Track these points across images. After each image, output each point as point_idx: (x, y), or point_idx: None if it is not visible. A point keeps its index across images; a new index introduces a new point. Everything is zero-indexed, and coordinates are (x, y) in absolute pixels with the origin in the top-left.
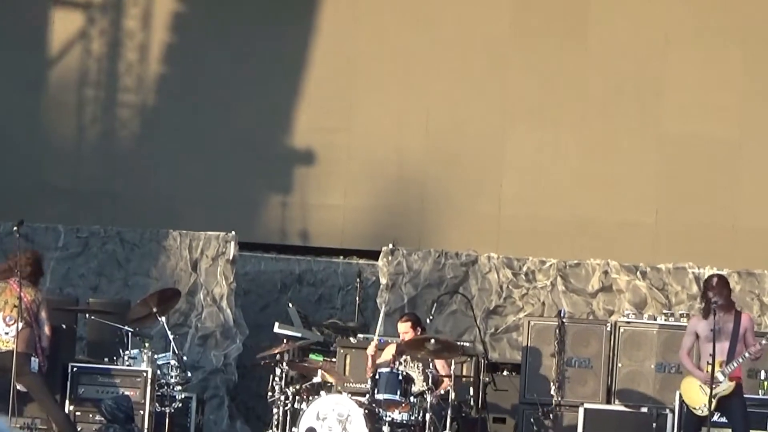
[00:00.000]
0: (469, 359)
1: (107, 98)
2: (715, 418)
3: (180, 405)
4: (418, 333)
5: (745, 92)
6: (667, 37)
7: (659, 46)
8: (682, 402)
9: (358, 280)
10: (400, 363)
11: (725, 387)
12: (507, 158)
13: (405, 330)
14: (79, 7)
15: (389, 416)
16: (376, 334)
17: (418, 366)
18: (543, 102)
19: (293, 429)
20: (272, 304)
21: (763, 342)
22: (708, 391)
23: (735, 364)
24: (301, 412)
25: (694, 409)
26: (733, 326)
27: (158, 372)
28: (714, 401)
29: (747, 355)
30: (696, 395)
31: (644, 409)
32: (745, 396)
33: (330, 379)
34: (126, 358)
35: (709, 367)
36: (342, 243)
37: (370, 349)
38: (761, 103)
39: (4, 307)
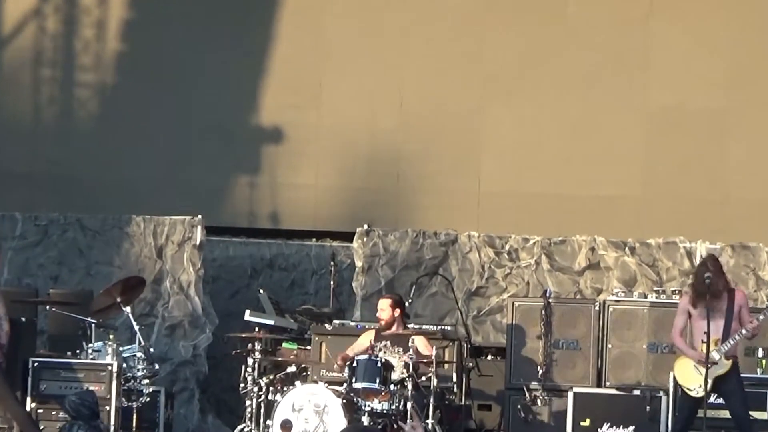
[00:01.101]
0: (451, 343)
1: (64, 78)
2: (712, 399)
3: (148, 399)
4: (397, 315)
5: (732, 60)
6: (651, 5)
7: (642, 15)
8: (676, 383)
9: (332, 263)
10: (379, 348)
11: (721, 367)
12: (485, 134)
13: (383, 307)
14: None
15: (368, 406)
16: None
17: (397, 351)
18: (522, 76)
19: (267, 422)
20: (242, 290)
21: (761, 318)
22: (703, 371)
23: (731, 342)
24: (275, 404)
25: (689, 390)
26: (727, 304)
27: (124, 365)
28: (710, 382)
29: (743, 332)
30: (691, 375)
31: (637, 392)
32: (742, 375)
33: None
34: (90, 351)
35: (704, 346)
36: (314, 224)
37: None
38: (748, 71)
39: None
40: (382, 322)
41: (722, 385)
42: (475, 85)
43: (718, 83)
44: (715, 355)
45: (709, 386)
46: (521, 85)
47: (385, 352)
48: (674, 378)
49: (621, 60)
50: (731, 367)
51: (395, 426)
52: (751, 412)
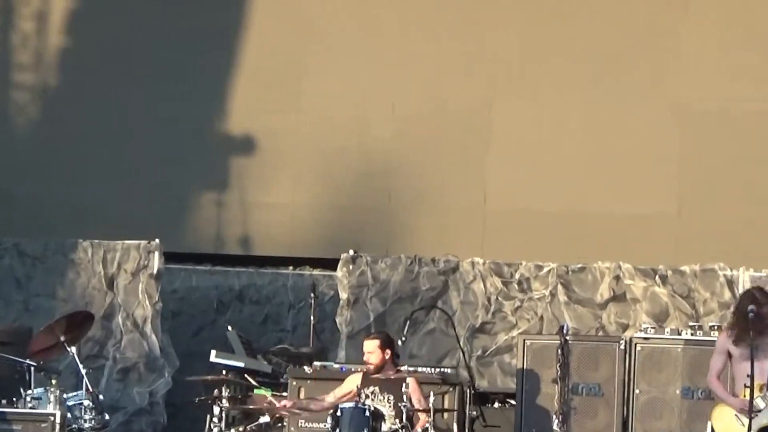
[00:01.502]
0: (451, 389)
1: None
2: None
3: None
4: (387, 357)
5: None
6: None
7: (677, 3)
8: None
9: (312, 295)
10: (366, 396)
11: (767, 416)
12: (492, 141)
13: (371, 349)
14: None
15: None
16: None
17: (388, 399)
18: (535, 70)
19: None
20: (207, 327)
21: None
22: (745, 421)
23: None
24: None
25: None
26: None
27: (68, 415)
28: None
29: None
30: (731, 426)
31: None
32: None
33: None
34: (28, 399)
35: (747, 392)
36: (291, 250)
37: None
38: None
39: None
40: (371, 367)
41: None
42: (479, 85)
43: (765, 81)
44: (760, 403)
45: None
46: (532, 83)
47: (373, 399)
48: (711, 429)
49: (652, 53)
50: None
51: None
52: None
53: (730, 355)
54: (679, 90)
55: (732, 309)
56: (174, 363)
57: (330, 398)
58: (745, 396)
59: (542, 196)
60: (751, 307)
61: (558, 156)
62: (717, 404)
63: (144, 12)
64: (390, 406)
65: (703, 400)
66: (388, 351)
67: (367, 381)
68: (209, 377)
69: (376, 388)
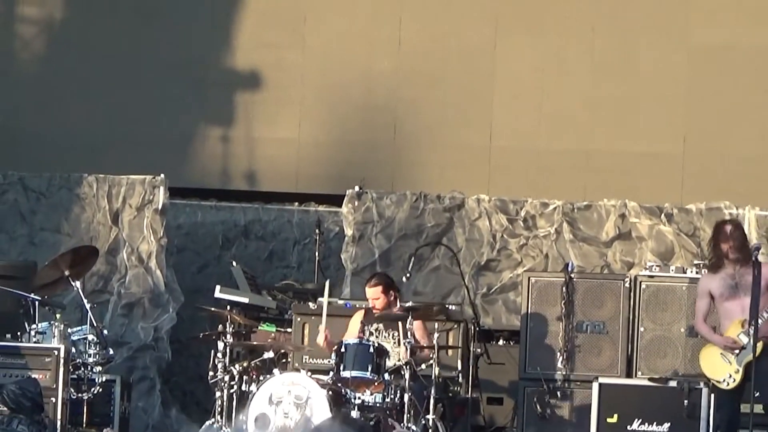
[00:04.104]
0: (456, 326)
1: (4, 13)
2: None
3: (100, 390)
4: (392, 298)
5: None
6: None
7: None
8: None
9: (317, 231)
10: (371, 332)
11: (750, 351)
12: (499, 78)
13: (375, 296)
14: None
15: (359, 398)
16: (325, 304)
17: (392, 335)
18: (543, 6)
19: (240, 416)
20: (212, 263)
21: None
22: (731, 358)
23: (760, 322)
24: (249, 396)
25: (718, 382)
26: (753, 278)
27: (73, 350)
28: (741, 370)
29: (765, 314)
30: (718, 366)
31: (673, 383)
32: None
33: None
34: (33, 333)
35: (730, 330)
36: (297, 186)
37: (320, 338)
38: None
39: None
40: (377, 312)
41: (755, 369)
42: (487, 19)
43: None
44: (742, 338)
45: (739, 375)
46: (540, 19)
47: (377, 336)
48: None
49: None
50: (762, 350)
51: (389, 422)
52: None
53: (712, 297)
54: (685, 27)
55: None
56: (179, 298)
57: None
58: (728, 334)
59: (548, 134)
60: (756, 244)
61: (563, 94)
62: (705, 345)
63: None
64: (395, 343)
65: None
66: (392, 292)
67: (370, 318)
68: (214, 309)
69: (380, 326)
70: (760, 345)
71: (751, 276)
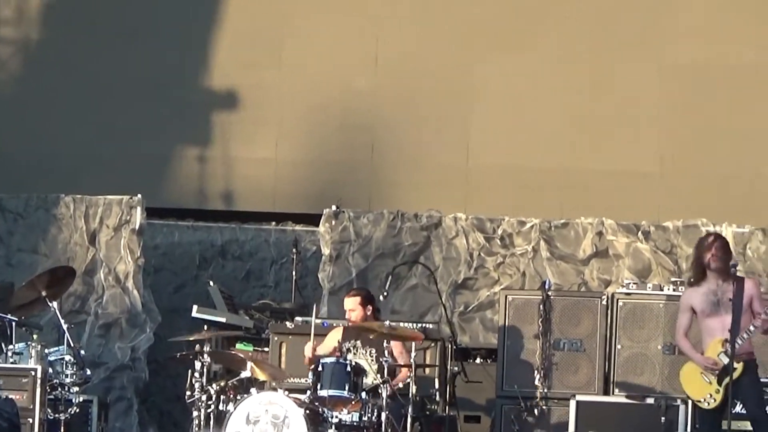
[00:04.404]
0: (433, 344)
1: None
2: (738, 408)
3: (78, 410)
4: (369, 313)
5: (764, 10)
6: None
7: None
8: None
9: (294, 250)
10: (348, 350)
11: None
12: (475, 96)
13: (352, 307)
14: None
15: (336, 417)
16: (313, 317)
17: (370, 353)
18: (519, 25)
19: None
20: (189, 283)
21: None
22: (711, 378)
23: (739, 342)
24: (227, 415)
25: (699, 402)
26: (735, 295)
27: (50, 370)
28: (721, 390)
29: (751, 329)
30: (698, 385)
31: (650, 401)
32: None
33: (261, 375)
34: (9, 354)
35: (710, 348)
36: (274, 206)
37: (308, 350)
38: None
39: None
40: (352, 324)
41: (735, 390)
42: (464, 39)
43: (748, 37)
44: (723, 359)
45: (720, 395)
46: (518, 38)
47: (355, 353)
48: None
49: (637, 9)
50: (744, 369)
51: None
52: None
53: (694, 312)
54: (660, 46)
55: (691, 263)
56: (156, 318)
57: (318, 351)
58: (710, 352)
59: (525, 153)
60: (733, 262)
61: (541, 113)
62: (686, 362)
63: None
64: (372, 360)
65: (684, 356)
66: (370, 307)
67: (348, 335)
68: (192, 338)
69: (358, 343)
70: (741, 365)
71: (730, 293)
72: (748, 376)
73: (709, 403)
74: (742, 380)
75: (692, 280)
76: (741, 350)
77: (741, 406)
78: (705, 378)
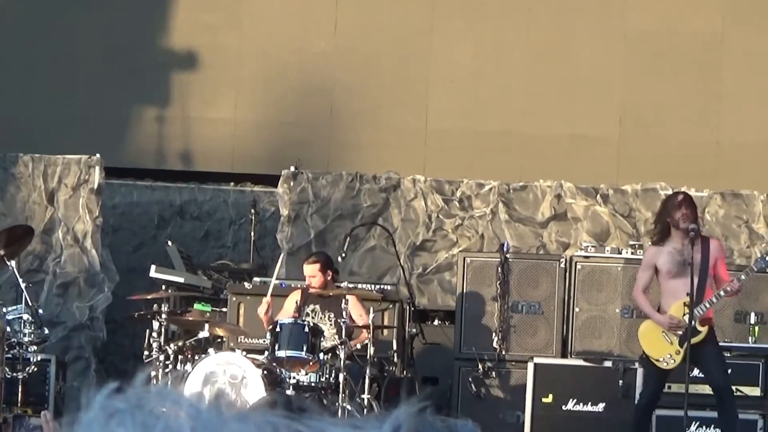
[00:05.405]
0: (391, 306)
1: None
2: (696, 372)
3: (35, 369)
4: (329, 277)
5: None
6: None
7: None
8: (642, 353)
9: (252, 211)
10: (307, 314)
11: (695, 334)
12: (435, 60)
13: (312, 273)
14: None
15: (294, 377)
16: (274, 277)
17: (328, 316)
18: None
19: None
20: (148, 242)
21: (743, 278)
22: (673, 338)
23: (706, 306)
24: (184, 375)
25: (657, 361)
26: (701, 256)
27: (7, 329)
28: (682, 351)
29: (720, 294)
30: (659, 344)
31: (608, 364)
32: (733, 345)
33: (220, 332)
34: None
35: (673, 309)
36: (233, 166)
37: (262, 309)
38: None
39: None
40: (313, 290)
41: (697, 355)
42: (424, 2)
43: (712, 4)
44: (687, 320)
45: (680, 357)
46: (477, 2)
47: (314, 318)
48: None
49: None
50: (707, 334)
51: (324, 402)
52: (741, 388)
53: (656, 271)
54: (622, 11)
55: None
56: (114, 278)
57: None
58: (671, 313)
59: (484, 116)
60: (692, 226)
61: (500, 77)
62: (645, 321)
63: None
64: (331, 324)
65: (642, 319)
66: (329, 272)
67: (306, 298)
68: (149, 295)
69: (317, 306)
70: (705, 329)
71: (699, 254)
72: (712, 342)
73: (668, 363)
74: (706, 346)
75: (655, 238)
76: (706, 314)
77: (700, 371)
78: (666, 337)
